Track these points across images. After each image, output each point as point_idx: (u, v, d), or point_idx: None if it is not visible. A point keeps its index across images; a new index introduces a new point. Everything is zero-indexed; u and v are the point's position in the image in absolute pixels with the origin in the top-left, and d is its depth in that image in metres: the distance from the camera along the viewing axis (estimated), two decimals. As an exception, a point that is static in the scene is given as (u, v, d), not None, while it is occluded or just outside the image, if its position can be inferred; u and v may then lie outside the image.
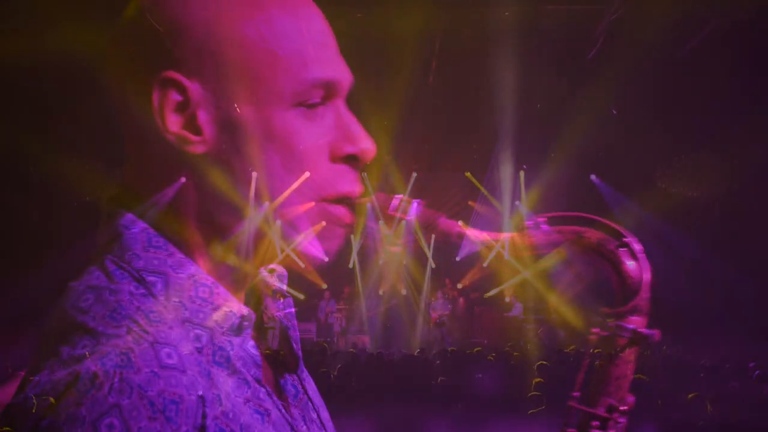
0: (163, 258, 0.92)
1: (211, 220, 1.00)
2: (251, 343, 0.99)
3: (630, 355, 1.06)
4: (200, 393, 0.79)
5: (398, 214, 1.25)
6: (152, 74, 0.92)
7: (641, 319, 1.06)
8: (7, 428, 0.71)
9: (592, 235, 1.09)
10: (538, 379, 5.98)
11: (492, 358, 8.36)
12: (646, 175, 10.81)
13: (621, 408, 1.03)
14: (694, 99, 9.43)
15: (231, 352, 0.92)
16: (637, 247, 1.04)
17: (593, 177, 13.46)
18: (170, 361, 0.79)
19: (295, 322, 1.19)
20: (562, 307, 13.06)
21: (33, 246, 9.99)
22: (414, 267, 15.92)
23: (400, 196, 1.26)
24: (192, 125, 0.94)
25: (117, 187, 1.02)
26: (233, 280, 1.06)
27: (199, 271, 0.96)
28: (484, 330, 14.47)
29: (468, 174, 14.27)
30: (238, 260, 1.07)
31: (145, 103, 0.92)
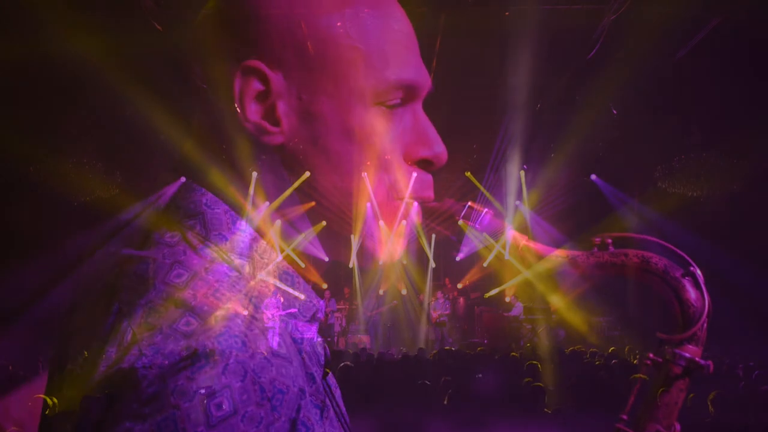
0: (248, 242, 0.91)
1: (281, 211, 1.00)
2: (320, 339, 0.99)
3: (683, 383, 1.05)
4: (301, 385, 0.79)
5: (469, 222, 1.26)
6: (235, 62, 0.91)
7: (697, 348, 1.05)
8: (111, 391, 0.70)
9: (659, 261, 1.08)
10: (528, 379, 5.98)
11: (496, 357, 8.35)
12: (646, 175, 10.80)
13: None
14: (694, 99, 9.43)
15: (302, 345, 0.92)
16: (701, 276, 1.04)
17: (593, 177, 13.45)
18: (281, 350, 0.79)
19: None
20: (564, 307, 13.06)
21: (21, 244, 10.00)
22: (414, 267, 15.92)
23: (469, 203, 1.27)
24: (271, 115, 0.94)
25: (183, 165, 1.01)
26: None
27: (280, 258, 0.96)
28: (484, 330, 14.47)
29: (468, 174, 14.27)
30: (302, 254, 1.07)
31: (226, 91, 0.91)
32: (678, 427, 1.07)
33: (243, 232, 0.92)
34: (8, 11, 6.86)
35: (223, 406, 0.72)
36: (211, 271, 0.85)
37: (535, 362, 7.06)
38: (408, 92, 0.99)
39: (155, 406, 0.69)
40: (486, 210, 1.21)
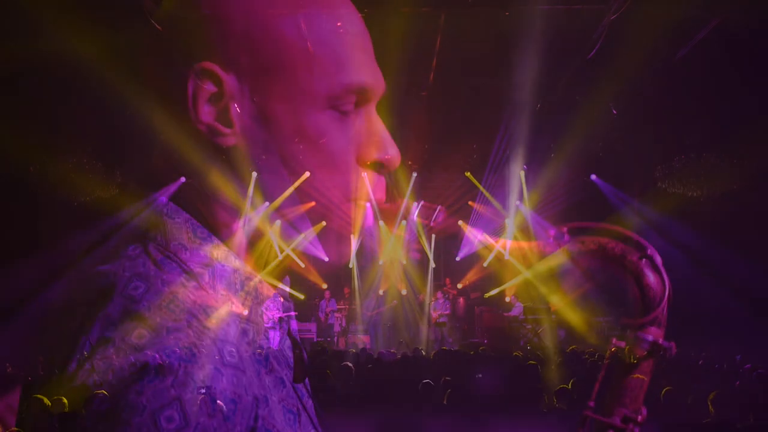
0: (209, 249, 0.91)
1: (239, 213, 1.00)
2: (288, 342, 0.99)
3: (647, 366, 1.05)
4: (255, 393, 0.78)
5: (423, 220, 1.27)
6: (189, 64, 0.91)
7: (660, 330, 1.05)
8: (64, 399, 0.70)
9: (616, 246, 1.09)
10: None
11: (497, 357, 8.35)
12: (646, 175, 10.80)
13: (637, 418, 1.03)
14: (695, 99, 9.43)
15: (269, 350, 0.92)
16: (659, 259, 1.04)
17: (593, 177, 13.44)
18: (232, 360, 0.78)
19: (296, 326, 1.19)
20: (564, 307, 13.05)
21: (22, 244, 10.00)
22: (414, 267, 15.92)
23: (422, 202, 1.28)
24: (224, 117, 0.94)
25: (146, 174, 1.02)
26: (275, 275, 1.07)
27: (243, 265, 0.96)
28: (484, 330, 14.46)
29: (468, 174, 14.26)
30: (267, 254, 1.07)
31: (180, 93, 0.91)
32: (644, 411, 1.08)
33: (203, 240, 0.91)
34: (8, 11, 6.86)
35: (174, 419, 0.72)
36: (167, 283, 0.85)
37: (533, 362, 7.06)
38: (361, 96, 0.99)
39: (107, 423, 0.69)
40: (439, 207, 1.23)
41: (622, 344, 1.11)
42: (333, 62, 0.93)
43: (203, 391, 0.73)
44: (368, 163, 0.99)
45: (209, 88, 0.90)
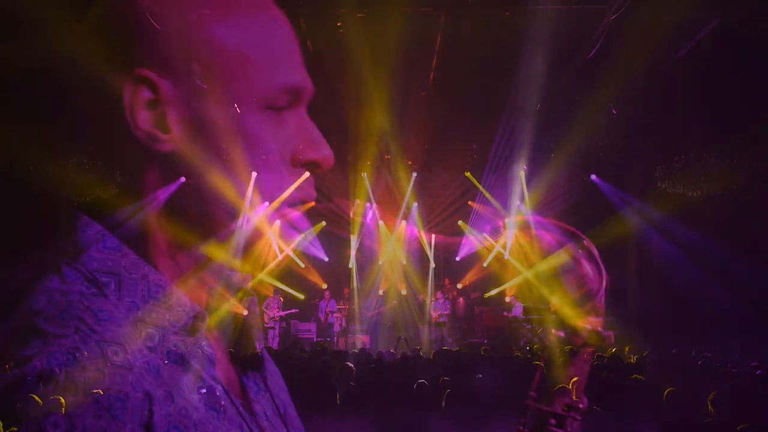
0: (117, 259, 0.93)
1: (181, 219, 1.02)
2: (205, 341, 1.00)
3: (587, 354, 1.06)
4: (147, 390, 0.80)
5: (361, 218, 1.26)
6: (124, 71, 0.92)
7: (597, 320, 1.06)
8: None
9: (551, 239, 1.10)
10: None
11: (496, 356, 8.35)
12: (646, 174, 10.81)
13: (578, 406, 1.04)
14: (695, 99, 9.43)
15: (184, 351, 0.93)
16: (595, 251, 1.05)
17: (593, 177, 13.46)
18: (116, 359, 0.79)
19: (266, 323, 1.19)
20: (564, 307, 13.03)
21: (21, 244, 10.00)
22: (414, 267, 15.92)
23: (357, 200, 1.28)
24: (162, 123, 0.95)
25: (86, 187, 1.04)
26: (198, 279, 1.07)
27: (152, 272, 0.97)
28: (484, 330, 14.47)
29: (468, 174, 14.29)
30: (223, 259, 1.08)
31: (117, 100, 0.92)
32: (585, 400, 1.08)
33: (111, 250, 0.93)
34: (8, 12, 6.87)
35: (60, 423, 0.74)
36: (66, 293, 0.87)
37: (539, 363, 7.06)
38: (294, 95, 1.00)
39: None
40: (371, 206, 1.22)
41: (562, 334, 1.13)
42: (266, 63, 0.94)
43: (86, 392, 0.74)
44: (303, 162, 1.00)
45: (145, 94, 0.91)
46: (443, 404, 5.55)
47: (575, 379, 1.08)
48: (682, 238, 11.17)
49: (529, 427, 1.09)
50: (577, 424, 1.06)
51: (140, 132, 0.95)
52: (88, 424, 0.74)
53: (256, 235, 1.08)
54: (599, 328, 1.07)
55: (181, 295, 0.99)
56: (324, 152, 1.06)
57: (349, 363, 7.11)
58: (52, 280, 0.89)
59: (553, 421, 1.06)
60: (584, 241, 1.08)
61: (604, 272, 1.06)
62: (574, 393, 1.07)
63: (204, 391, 0.91)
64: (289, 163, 1.04)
